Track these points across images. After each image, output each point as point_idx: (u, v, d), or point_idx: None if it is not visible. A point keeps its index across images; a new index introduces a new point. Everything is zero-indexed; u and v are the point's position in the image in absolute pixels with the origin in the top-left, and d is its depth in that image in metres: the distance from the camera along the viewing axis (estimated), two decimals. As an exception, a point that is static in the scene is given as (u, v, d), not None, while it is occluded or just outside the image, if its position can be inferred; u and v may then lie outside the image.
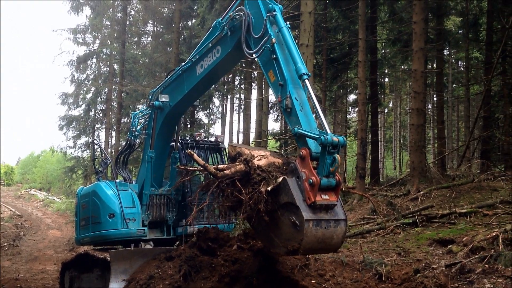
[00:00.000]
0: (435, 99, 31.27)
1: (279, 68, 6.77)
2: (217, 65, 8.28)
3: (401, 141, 42.75)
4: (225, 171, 6.80)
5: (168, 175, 10.93)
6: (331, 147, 5.84)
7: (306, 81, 6.54)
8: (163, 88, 9.87)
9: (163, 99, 9.67)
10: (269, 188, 6.25)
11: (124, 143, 12.16)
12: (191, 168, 7.66)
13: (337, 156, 5.86)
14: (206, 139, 12.78)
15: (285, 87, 6.65)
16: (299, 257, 9.03)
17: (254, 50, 7.19)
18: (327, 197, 5.97)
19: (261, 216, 6.31)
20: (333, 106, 31.40)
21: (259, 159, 6.82)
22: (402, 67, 33.31)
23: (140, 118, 11.13)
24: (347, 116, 36.36)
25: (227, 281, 7.95)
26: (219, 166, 7.13)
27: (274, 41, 6.83)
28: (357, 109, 27.13)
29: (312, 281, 8.25)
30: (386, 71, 33.78)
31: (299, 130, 6.29)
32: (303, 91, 6.67)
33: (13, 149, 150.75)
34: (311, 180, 5.87)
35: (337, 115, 34.03)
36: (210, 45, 8.31)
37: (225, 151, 11.22)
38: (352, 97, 35.93)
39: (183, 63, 9.23)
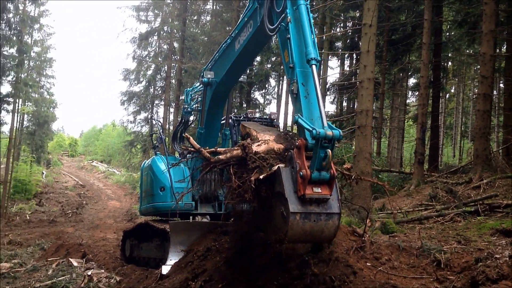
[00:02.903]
0: (501, 85, 29.72)
1: (290, 49, 6.45)
2: (250, 41, 8.12)
3: (462, 128, 41.12)
4: (220, 156, 6.68)
5: None
6: (324, 141, 5.59)
7: (313, 67, 6.15)
8: (211, 65, 9.95)
9: (208, 76, 9.77)
10: (261, 177, 6.11)
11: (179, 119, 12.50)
12: (191, 149, 7.24)
13: (329, 151, 5.61)
14: (261, 116, 12.84)
15: (294, 70, 6.36)
16: (355, 238, 9.00)
17: (273, 27, 6.90)
18: (320, 190, 5.76)
19: (250, 202, 6.30)
20: (392, 90, 30.57)
21: (258, 145, 6.62)
22: (468, 50, 31.81)
23: (192, 95, 11.35)
24: (407, 101, 35.28)
25: (281, 258, 8.04)
26: (218, 149, 6.99)
27: (289, 20, 6.48)
28: (417, 93, 26.30)
29: (367, 264, 8.18)
30: (449, 55, 32.39)
31: (298, 119, 6.00)
32: (313, 76, 6.22)
33: (76, 122, 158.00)
34: (301, 173, 5.68)
35: (395, 98, 33.12)
36: (245, 19, 8.18)
37: (279, 128, 11.24)
38: (412, 80, 34.83)
39: (227, 39, 9.19)
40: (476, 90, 23.83)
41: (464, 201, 12.59)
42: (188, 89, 11.85)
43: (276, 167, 6.06)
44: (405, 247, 8.86)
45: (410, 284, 7.38)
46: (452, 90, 42.27)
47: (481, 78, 15.88)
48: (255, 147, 6.55)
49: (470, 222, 10.99)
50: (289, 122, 37.17)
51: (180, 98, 34.04)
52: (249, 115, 11.41)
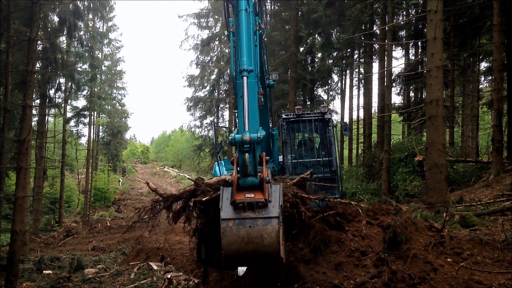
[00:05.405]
0: None
1: (233, 60, 6.29)
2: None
3: (544, 111, 38.44)
4: (173, 192, 6.93)
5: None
6: (243, 146, 5.47)
7: (244, 78, 5.90)
8: None
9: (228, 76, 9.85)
10: (203, 199, 6.08)
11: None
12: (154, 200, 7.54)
13: (245, 155, 5.49)
14: (311, 111, 12.75)
15: (235, 82, 6.19)
16: (433, 233, 8.68)
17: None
18: (252, 196, 5.63)
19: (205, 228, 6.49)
20: (462, 76, 29.15)
21: (210, 178, 6.70)
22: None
23: None
24: (479, 86, 33.49)
25: (357, 255, 7.93)
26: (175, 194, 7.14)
27: (231, 28, 6.31)
28: (491, 77, 24.93)
29: (448, 259, 7.88)
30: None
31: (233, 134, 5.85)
32: (254, 87, 6.01)
33: (147, 129, 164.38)
34: (229, 180, 5.64)
35: (467, 85, 31.57)
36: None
37: (331, 122, 11.14)
38: (483, 64, 33.05)
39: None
40: (557, 70, 22.14)
41: (550, 190, 11.82)
42: None
43: (220, 191, 6.04)
44: (488, 241, 8.47)
45: (496, 280, 7.03)
46: (529, 71, 39.65)
47: (562, 57, 14.81)
48: (207, 180, 6.66)
49: (559, 212, 10.29)
50: (354, 116, 36.56)
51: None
52: (296, 112, 11.39)
